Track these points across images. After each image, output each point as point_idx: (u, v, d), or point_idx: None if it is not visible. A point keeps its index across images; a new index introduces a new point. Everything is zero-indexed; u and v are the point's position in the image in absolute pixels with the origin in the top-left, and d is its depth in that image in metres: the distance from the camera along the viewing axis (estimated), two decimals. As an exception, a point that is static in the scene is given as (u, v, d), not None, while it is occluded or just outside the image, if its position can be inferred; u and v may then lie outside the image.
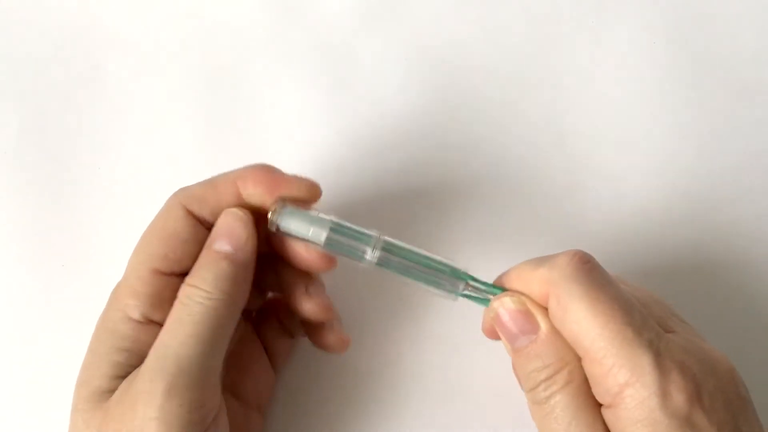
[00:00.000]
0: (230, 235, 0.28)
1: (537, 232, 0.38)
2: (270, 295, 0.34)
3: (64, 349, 0.36)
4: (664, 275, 0.37)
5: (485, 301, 0.29)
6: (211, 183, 0.30)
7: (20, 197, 0.38)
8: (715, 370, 0.26)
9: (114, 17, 0.42)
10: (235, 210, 0.29)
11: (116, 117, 0.40)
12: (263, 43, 0.41)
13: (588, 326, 0.25)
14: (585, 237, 0.38)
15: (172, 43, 0.42)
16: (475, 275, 0.29)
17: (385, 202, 0.38)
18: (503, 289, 0.29)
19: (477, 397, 0.35)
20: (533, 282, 0.28)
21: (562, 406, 0.26)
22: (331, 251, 0.29)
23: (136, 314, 0.28)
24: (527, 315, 0.27)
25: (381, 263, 0.29)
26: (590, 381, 0.26)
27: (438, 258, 0.29)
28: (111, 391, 0.27)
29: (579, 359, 0.26)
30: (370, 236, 0.29)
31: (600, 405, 0.26)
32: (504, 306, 0.28)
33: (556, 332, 0.27)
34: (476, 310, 0.30)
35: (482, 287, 0.29)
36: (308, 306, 0.31)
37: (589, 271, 0.26)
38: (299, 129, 0.40)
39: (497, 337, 0.29)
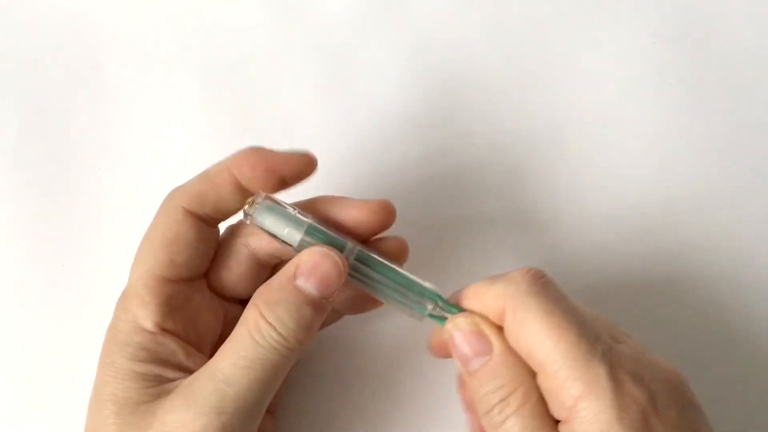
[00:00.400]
0: (321, 279, 0.27)
1: (537, 231, 0.38)
2: None
3: (64, 349, 0.36)
4: (664, 275, 0.37)
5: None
6: (206, 177, 0.29)
7: (20, 197, 0.38)
8: (667, 379, 0.25)
9: (114, 17, 0.42)
10: (330, 253, 0.27)
11: (116, 117, 0.40)
12: (263, 43, 0.41)
13: (542, 339, 0.25)
14: (585, 236, 0.38)
15: (172, 43, 0.42)
16: (464, 284, 0.29)
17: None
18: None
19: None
20: (489, 299, 0.27)
21: (517, 428, 0.25)
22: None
23: (148, 324, 0.27)
24: (480, 336, 0.27)
25: (351, 274, 0.28)
26: (546, 396, 0.25)
27: (409, 276, 0.28)
28: (144, 402, 0.26)
29: (534, 378, 0.26)
30: (344, 244, 0.28)
31: (556, 423, 0.25)
32: (457, 327, 0.27)
33: (509, 352, 0.26)
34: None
35: (448, 308, 0.28)
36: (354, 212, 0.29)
37: (544, 285, 0.26)
38: (299, 129, 0.40)
39: (442, 355, 0.29)
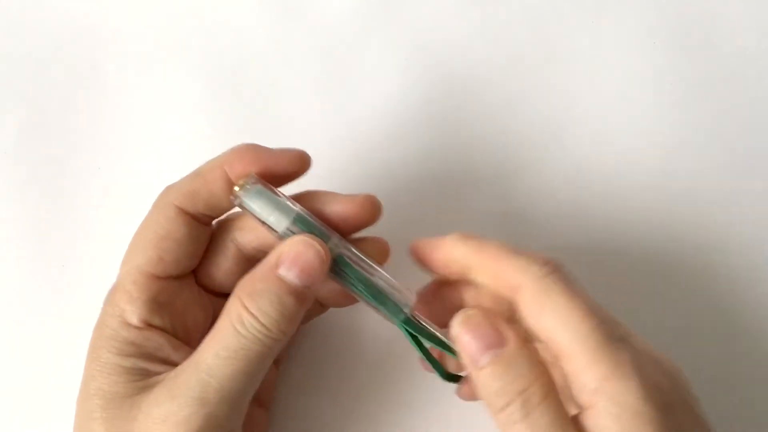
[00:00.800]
0: (303, 269, 0.26)
1: (536, 232, 0.38)
2: None
3: (64, 348, 0.36)
4: (664, 275, 0.37)
5: (422, 337, 0.28)
6: (198, 174, 0.29)
7: (20, 197, 0.38)
8: (677, 374, 0.26)
9: (114, 17, 0.42)
10: (313, 242, 0.27)
11: (116, 117, 0.40)
12: (263, 43, 0.41)
13: (566, 322, 0.24)
14: (584, 236, 0.38)
15: (172, 43, 0.42)
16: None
17: (384, 202, 0.38)
18: (437, 338, 0.28)
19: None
20: (507, 270, 0.26)
21: (542, 423, 0.24)
22: None
23: (134, 320, 0.27)
24: (493, 327, 0.26)
25: (331, 269, 0.27)
26: (567, 381, 0.25)
27: (390, 280, 0.28)
28: (130, 395, 0.27)
29: (549, 371, 0.25)
30: (329, 238, 0.28)
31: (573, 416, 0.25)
32: (468, 319, 0.26)
33: (525, 343, 0.26)
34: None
35: (423, 323, 0.28)
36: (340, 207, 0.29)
37: (566, 273, 0.26)
38: (299, 129, 0.40)
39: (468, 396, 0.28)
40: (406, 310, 0.28)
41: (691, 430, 0.24)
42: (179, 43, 0.42)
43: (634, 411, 0.23)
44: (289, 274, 0.26)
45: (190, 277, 0.30)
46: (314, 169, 0.39)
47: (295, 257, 0.26)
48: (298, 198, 0.29)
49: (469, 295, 0.30)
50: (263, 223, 0.28)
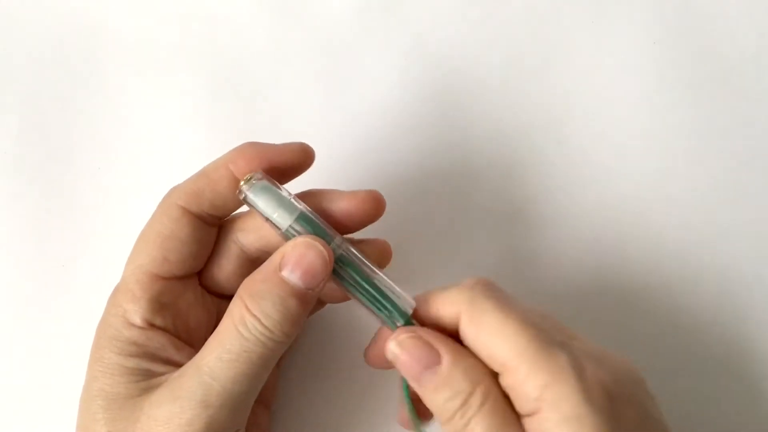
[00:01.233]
0: (307, 271, 0.26)
1: (536, 231, 0.38)
2: None
3: (64, 348, 0.36)
4: (664, 275, 0.37)
5: None
6: (203, 174, 0.29)
7: (20, 197, 0.38)
8: (627, 369, 0.26)
9: (114, 17, 0.42)
10: (316, 244, 0.27)
11: (116, 117, 0.40)
12: (263, 43, 0.41)
13: (502, 337, 0.25)
14: (584, 236, 0.38)
15: (172, 43, 0.42)
16: (459, 280, 0.28)
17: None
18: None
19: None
20: (443, 305, 0.27)
21: (482, 427, 0.25)
22: (288, 239, 0.27)
23: (137, 319, 0.27)
24: (426, 346, 0.26)
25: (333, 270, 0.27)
26: (510, 393, 0.25)
27: (391, 285, 0.28)
28: (132, 396, 0.27)
29: (491, 377, 0.26)
30: (332, 238, 0.27)
31: (520, 418, 0.25)
32: (402, 344, 0.26)
33: (460, 356, 0.26)
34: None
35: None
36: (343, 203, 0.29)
37: (496, 290, 0.27)
38: (299, 129, 0.40)
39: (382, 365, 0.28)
40: (405, 317, 0.28)
41: (637, 427, 0.25)
42: (179, 42, 0.41)
43: (575, 415, 0.24)
44: (292, 276, 0.26)
45: (193, 278, 0.30)
46: (314, 168, 0.39)
47: (298, 259, 0.26)
48: (301, 196, 0.29)
49: None
50: (267, 219, 0.27)
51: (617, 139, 0.39)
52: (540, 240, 0.38)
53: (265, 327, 0.26)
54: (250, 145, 0.29)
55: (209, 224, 0.29)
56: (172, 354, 0.28)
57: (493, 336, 0.25)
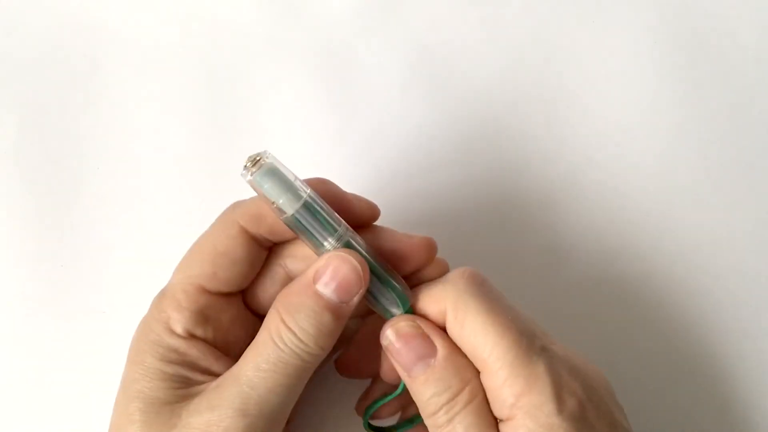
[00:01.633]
0: (341, 284, 0.26)
1: (536, 232, 0.38)
2: None
3: (64, 348, 0.36)
4: (665, 275, 0.37)
5: None
6: None
7: (20, 197, 0.38)
8: (597, 378, 0.27)
9: (114, 17, 0.42)
10: (350, 257, 0.26)
11: (116, 117, 0.40)
12: (263, 43, 0.41)
13: (484, 338, 0.25)
14: (584, 237, 0.38)
15: (172, 43, 0.42)
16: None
17: (384, 201, 0.38)
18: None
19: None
20: (429, 303, 0.27)
21: (464, 425, 0.25)
22: (291, 225, 0.27)
23: (178, 328, 0.27)
24: (423, 338, 0.27)
25: None
26: (488, 395, 0.26)
27: (391, 278, 0.28)
28: (170, 402, 0.27)
29: (478, 377, 0.26)
30: (336, 229, 0.27)
31: (497, 422, 0.26)
32: (399, 330, 0.27)
33: (454, 352, 0.26)
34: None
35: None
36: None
37: (481, 285, 0.27)
38: (299, 128, 0.40)
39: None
40: (405, 305, 0.28)
41: None
42: (179, 43, 0.41)
43: (547, 424, 0.24)
44: (327, 289, 0.26)
45: (238, 295, 0.30)
46: (314, 168, 0.39)
47: (332, 273, 0.26)
48: (355, 227, 0.28)
49: None
50: (269, 202, 0.27)
51: (618, 139, 0.39)
52: (538, 240, 0.38)
53: (300, 340, 0.26)
54: (320, 182, 0.28)
55: (263, 247, 0.29)
56: (211, 364, 0.28)
57: (476, 337, 0.26)
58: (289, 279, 0.30)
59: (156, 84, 0.41)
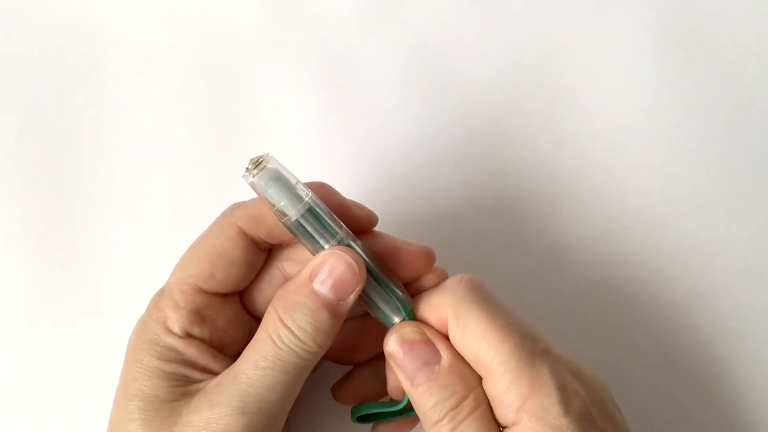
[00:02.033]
0: (337, 282, 0.26)
1: (536, 232, 0.38)
2: None
3: (64, 348, 0.36)
4: (664, 275, 0.37)
5: None
6: None
7: (20, 197, 0.38)
8: (595, 380, 0.27)
9: (114, 17, 0.42)
10: (345, 255, 0.26)
11: (116, 117, 0.40)
12: (263, 43, 0.41)
13: (487, 344, 0.25)
14: (583, 237, 0.38)
15: (172, 43, 0.42)
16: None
17: (383, 201, 0.38)
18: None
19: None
20: (429, 311, 0.27)
21: None
22: (292, 229, 0.27)
23: (175, 328, 0.28)
24: (428, 344, 0.27)
25: None
26: (492, 401, 0.26)
27: (391, 284, 0.28)
28: (170, 400, 0.27)
29: (481, 383, 0.26)
30: (337, 232, 0.27)
31: (501, 430, 0.26)
32: (404, 336, 0.27)
33: (458, 359, 0.26)
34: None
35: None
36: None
37: (480, 290, 0.27)
38: (299, 128, 0.40)
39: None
40: (407, 311, 0.28)
41: None
42: (179, 43, 0.42)
43: (555, 425, 0.24)
44: (323, 288, 0.26)
45: (235, 296, 0.30)
46: (313, 168, 0.39)
47: (329, 271, 0.26)
48: (355, 231, 0.29)
49: None
50: (270, 204, 0.27)
51: (618, 139, 0.39)
52: (538, 240, 0.38)
53: (298, 338, 0.26)
54: (322, 186, 0.29)
55: (261, 249, 0.29)
56: (210, 362, 0.28)
57: (479, 342, 0.26)
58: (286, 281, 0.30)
59: (156, 84, 0.41)
